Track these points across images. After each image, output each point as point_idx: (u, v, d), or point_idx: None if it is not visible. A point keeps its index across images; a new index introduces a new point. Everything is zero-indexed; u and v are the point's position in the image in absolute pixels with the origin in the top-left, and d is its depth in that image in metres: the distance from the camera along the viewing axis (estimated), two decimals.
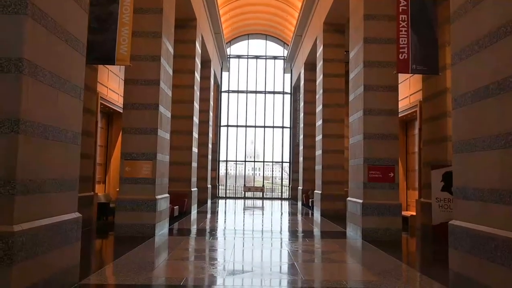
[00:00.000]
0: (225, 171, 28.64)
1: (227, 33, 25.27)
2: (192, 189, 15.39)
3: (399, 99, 10.82)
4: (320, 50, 16.90)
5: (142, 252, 7.80)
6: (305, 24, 20.21)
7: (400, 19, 9.09)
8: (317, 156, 17.25)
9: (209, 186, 21.17)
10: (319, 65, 17.08)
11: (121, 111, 10.88)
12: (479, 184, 4.80)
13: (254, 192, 28.19)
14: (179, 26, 14.54)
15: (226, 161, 28.44)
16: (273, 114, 28.39)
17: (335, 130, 16.43)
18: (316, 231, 11.94)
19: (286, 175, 29.62)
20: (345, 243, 9.65)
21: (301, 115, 22.40)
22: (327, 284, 5.88)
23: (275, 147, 28.38)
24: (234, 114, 28.26)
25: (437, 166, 10.51)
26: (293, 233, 11.85)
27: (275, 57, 28.67)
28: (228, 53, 27.84)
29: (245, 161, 28.85)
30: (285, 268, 7.05)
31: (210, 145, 21.13)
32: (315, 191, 17.33)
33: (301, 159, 21.93)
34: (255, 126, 28.22)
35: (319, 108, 17.15)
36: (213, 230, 11.77)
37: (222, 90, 28.25)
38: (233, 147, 28.30)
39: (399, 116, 11.29)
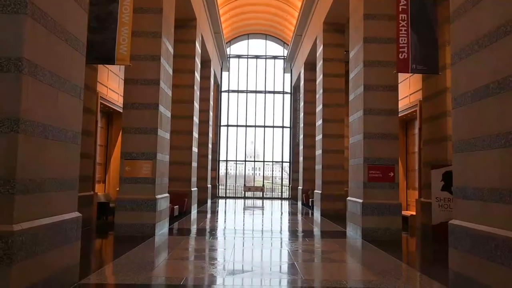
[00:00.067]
0: (225, 171, 28.64)
1: (227, 33, 25.27)
2: (192, 189, 15.39)
3: (399, 99, 10.82)
4: (320, 49, 16.90)
5: (142, 251, 7.80)
6: (305, 24, 20.21)
7: (400, 18, 9.09)
8: (317, 156, 17.25)
9: (209, 186, 21.18)
10: (319, 64, 17.08)
11: (121, 111, 10.88)
12: (479, 183, 4.80)
13: (254, 192, 28.19)
14: (179, 26, 14.54)
15: (226, 161, 28.44)
16: (273, 114, 28.40)
17: (335, 130, 16.43)
18: (316, 230, 11.93)
19: (286, 175, 29.63)
20: (345, 242, 9.65)
21: (301, 114, 22.40)
22: (327, 284, 5.88)
23: (275, 147, 28.40)
24: (234, 114, 28.28)
25: (437, 165, 10.51)
26: (293, 232, 11.84)
27: (275, 57, 28.66)
28: (228, 53, 27.84)
29: (245, 160, 28.85)
30: (285, 267, 7.05)
31: (210, 145, 21.13)
32: (315, 190, 17.33)
33: (301, 158, 21.93)
34: (255, 126, 28.22)
35: (319, 108, 17.15)
36: (213, 229, 11.77)
37: (222, 90, 28.25)
38: (233, 147, 28.33)
39: (399, 115, 11.29)
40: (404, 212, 12.46)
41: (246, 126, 28.21)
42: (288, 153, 28.33)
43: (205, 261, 7.29)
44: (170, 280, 5.93)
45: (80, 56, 5.20)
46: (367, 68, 10.24)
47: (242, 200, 25.60)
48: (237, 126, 28.20)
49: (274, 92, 28.51)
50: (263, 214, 17.75)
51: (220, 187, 28.08)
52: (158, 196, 9.99)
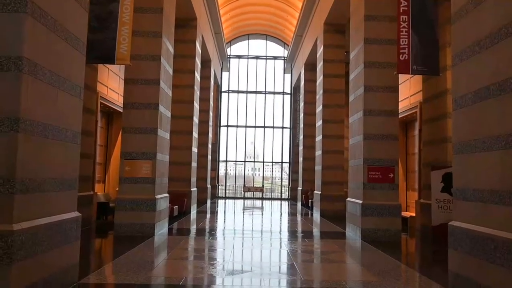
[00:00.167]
0: (224, 171, 28.63)
1: (227, 33, 25.27)
2: (191, 189, 15.38)
3: (399, 100, 10.82)
4: (320, 50, 16.90)
5: (142, 251, 7.79)
6: (305, 25, 20.21)
7: (401, 19, 9.08)
8: (317, 157, 17.24)
9: (208, 186, 21.17)
10: (319, 65, 17.08)
11: (121, 111, 10.88)
12: (479, 185, 4.79)
13: (254, 192, 28.19)
14: (180, 26, 14.54)
15: (226, 161, 28.44)
16: (273, 115, 28.39)
17: (335, 131, 16.42)
18: (316, 231, 11.93)
19: (285, 176, 29.62)
20: (345, 243, 9.64)
21: (301, 115, 22.40)
22: (327, 284, 5.87)
23: (275, 148, 28.40)
24: (234, 114, 28.27)
25: (437, 167, 10.51)
26: (292, 233, 11.84)
27: (275, 58, 28.67)
28: (228, 53, 27.84)
29: (244, 161, 28.85)
30: (284, 268, 7.04)
31: (210, 145, 21.12)
32: (315, 191, 17.33)
33: (301, 159, 21.93)
34: (255, 127, 28.22)
35: (319, 108, 17.15)
36: (213, 230, 11.76)
37: (222, 90, 28.25)
38: (233, 147, 28.32)
39: (399, 117, 11.29)
40: (403, 213, 12.46)
41: (246, 126, 28.21)
42: (288, 154, 28.33)
43: (205, 261, 7.28)
44: (169, 280, 5.93)
45: (80, 55, 5.19)
46: (368, 69, 10.24)
47: (242, 201, 25.59)
48: (237, 126, 28.20)
49: (274, 93, 28.51)
50: (262, 214, 17.74)
51: (219, 187, 28.07)
52: (158, 196, 9.99)
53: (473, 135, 4.93)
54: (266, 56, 28.56)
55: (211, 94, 21.44)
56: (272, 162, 28.77)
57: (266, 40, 28.45)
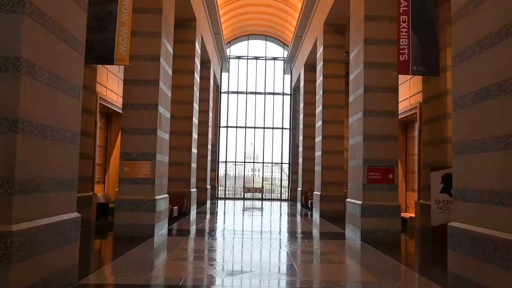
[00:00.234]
0: (224, 172, 28.62)
1: (227, 33, 25.26)
2: (191, 190, 15.37)
3: (399, 101, 10.81)
4: (320, 51, 16.90)
5: (141, 252, 7.78)
6: (305, 25, 20.21)
7: (401, 20, 9.07)
8: (317, 157, 17.24)
9: (208, 187, 21.15)
10: (319, 66, 17.08)
11: (120, 111, 10.86)
12: (479, 185, 4.78)
13: (254, 193, 28.18)
14: (179, 26, 14.53)
15: (226, 162, 28.43)
16: (272, 115, 28.39)
17: (334, 131, 16.42)
18: (315, 232, 11.92)
19: (285, 176, 29.61)
20: (344, 244, 9.63)
21: (301, 116, 22.39)
22: (326, 285, 5.86)
23: (275, 148, 28.40)
24: (234, 115, 28.27)
25: (436, 167, 10.50)
26: (292, 234, 11.83)
27: (275, 58, 28.66)
28: (228, 54, 27.84)
29: (244, 162, 28.84)
30: (284, 268, 7.03)
31: (209, 146, 21.11)
32: (315, 192, 17.32)
33: (300, 160, 21.92)
34: (254, 127, 28.21)
35: (319, 109, 17.15)
36: (212, 230, 11.75)
37: (222, 91, 28.24)
38: (232, 148, 28.32)
39: (399, 117, 11.28)
40: (403, 214, 12.45)
41: (245, 127, 28.21)
42: (288, 155, 28.32)
43: (204, 262, 7.27)
44: (169, 280, 5.92)
45: (79, 56, 5.18)
46: (368, 69, 10.23)
47: (241, 201, 25.58)
48: (236, 127, 28.19)
49: (273, 93, 28.51)
50: (262, 215, 17.74)
51: (219, 188, 28.06)
52: (158, 197, 9.98)
53: (473, 135, 4.93)
54: (265, 56, 28.56)
55: (211, 94, 21.43)
56: (272, 163, 28.77)
57: (266, 40, 28.45)
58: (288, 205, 22.92)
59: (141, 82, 10.00)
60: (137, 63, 9.77)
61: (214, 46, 22.27)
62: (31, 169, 4.18)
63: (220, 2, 20.05)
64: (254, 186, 28.85)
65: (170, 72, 11.26)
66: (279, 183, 29.71)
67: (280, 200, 28.15)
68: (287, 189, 28.68)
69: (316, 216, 15.86)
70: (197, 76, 16.31)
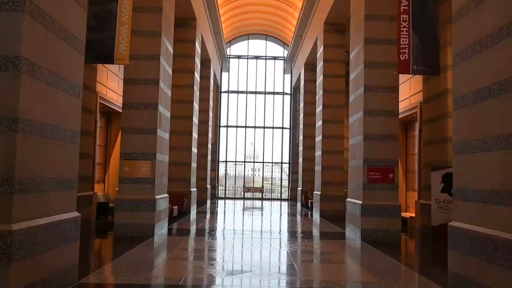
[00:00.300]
0: (224, 172, 28.62)
1: (227, 33, 25.25)
2: (191, 189, 15.36)
3: (399, 100, 10.80)
4: (320, 50, 16.88)
5: (141, 251, 7.78)
6: (305, 24, 20.19)
7: (401, 19, 9.05)
8: (317, 157, 17.23)
9: (208, 186, 21.15)
10: (320, 65, 17.06)
11: (121, 111, 10.85)
12: (479, 185, 4.78)
13: (254, 193, 28.18)
14: (179, 25, 14.52)
15: (226, 161, 28.42)
16: (273, 115, 28.38)
17: (335, 131, 16.41)
18: (315, 231, 11.91)
19: (285, 176, 29.61)
20: (344, 244, 9.63)
21: (301, 115, 22.38)
22: (326, 285, 5.86)
23: (275, 148, 28.39)
24: (234, 114, 28.26)
25: (437, 167, 10.49)
26: (292, 233, 11.83)
27: (275, 58, 28.65)
28: (228, 53, 27.82)
29: (244, 161, 28.83)
30: (284, 268, 7.03)
31: (209, 146, 21.10)
32: (315, 192, 17.31)
33: (300, 160, 21.91)
34: (254, 127, 28.20)
35: (319, 108, 17.13)
36: (212, 230, 11.75)
37: (222, 90, 28.23)
38: (232, 147, 28.31)
39: (399, 117, 11.28)
40: (403, 214, 12.44)
41: (245, 127, 28.20)
42: (288, 154, 28.31)
43: (204, 262, 7.27)
44: (169, 280, 5.91)
45: (79, 55, 5.18)
46: (368, 69, 10.22)
47: (241, 201, 25.58)
48: (236, 127, 28.18)
49: (274, 93, 28.50)
50: (262, 215, 17.73)
51: (219, 187, 28.05)
52: (158, 197, 9.97)
53: (474, 135, 4.92)
54: (266, 56, 28.55)
55: (211, 94, 21.42)
56: (272, 162, 28.77)
57: (266, 40, 28.44)
58: (288, 205, 22.91)
59: (141, 82, 9.99)
60: (137, 62, 9.77)
61: (214, 46, 22.26)
62: (31, 168, 4.17)
63: (220, 1, 20.04)
64: (254, 186, 28.85)
65: (170, 71, 11.25)
66: (279, 183, 29.71)
67: (280, 199, 28.15)
68: (287, 188, 28.68)
69: (316, 216, 15.85)
70: (197, 76, 16.30)
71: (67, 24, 4.78)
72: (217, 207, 19.94)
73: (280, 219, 16.37)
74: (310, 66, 20.82)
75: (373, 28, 10.27)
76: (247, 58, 28.50)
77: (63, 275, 4.87)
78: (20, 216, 3.97)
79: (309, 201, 19.26)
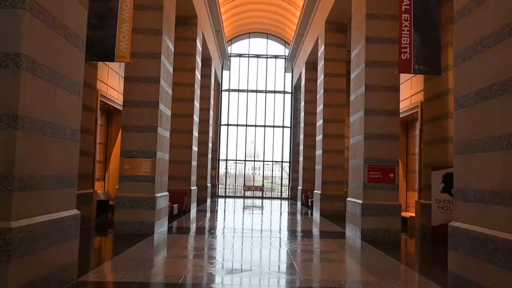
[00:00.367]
0: (225, 170, 28.61)
1: (228, 31, 25.22)
2: (191, 188, 15.36)
3: (400, 100, 10.78)
4: (321, 49, 16.86)
5: (141, 250, 7.77)
6: (306, 23, 20.16)
7: (403, 18, 9.03)
8: (317, 156, 17.22)
9: (208, 185, 21.15)
10: (321, 64, 17.04)
11: (121, 109, 10.85)
12: (480, 185, 4.76)
13: (254, 192, 28.17)
14: (180, 23, 14.50)
15: (226, 160, 28.42)
16: (273, 114, 28.36)
17: (335, 130, 16.39)
18: (315, 231, 11.91)
19: (286, 175, 29.60)
20: (344, 243, 9.62)
21: (302, 114, 22.37)
22: (326, 284, 5.85)
23: (275, 147, 28.37)
24: (235, 113, 28.24)
25: (437, 167, 10.48)
26: (292, 232, 11.82)
27: (276, 56, 28.62)
28: (229, 52, 27.80)
29: (245, 160, 28.83)
30: (283, 267, 7.02)
31: (210, 144, 21.09)
32: (315, 191, 17.30)
33: (301, 158, 21.90)
34: (255, 126, 28.19)
35: (319, 107, 17.12)
36: (212, 228, 11.75)
37: (223, 88, 28.21)
38: (233, 146, 28.29)
39: (400, 116, 11.26)
40: (403, 214, 12.43)
41: (246, 125, 28.18)
42: (288, 153, 28.30)
43: (204, 260, 7.26)
44: (168, 278, 5.91)
45: (80, 52, 5.16)
46: (369, 68, 10.20)
47: (242, 200, 25.58)
48: (237, 125, 28.17)
49: (274, 92, 28.47)
50: (262, 213, 17.73)
51: (219, 186, 28.04)
52: (158, 195, 9.97)
53: (475, 135, 4.90)
54: (267, 55, 28.52)
55: (212, 92, 21.41)
56: (272, 161, 28.76)
57: (267, 38, 28.41)
58: (288, 204, 22.91)
59: (142, 80, 9.98)
60: (138, 60, 9.75)
61: (215, 44, 22.23)
62: (31, 165, 4.16)
63: (221, 0, 20.02)
64: (255, 185, 28.84)
65: (171, 69, 11.24)
66: (280, 182, 29.71)
67: (281, 198, 28.15)
68: (287, 187, 28.68)
69: (316, 215, 15.85)
70: (198, 74, 16.28)
71: (67, 21, 4.77)
72: (217, 206, 19.94)
73: (280, 218, 16.37)
74: (311, 65, 20.79)
75: (374, 27, 10.25)
76: (248, 57, 28.48)
77: (62, 273, 4.86)
78: (20, 214, 3.96)
79: (309, 200, 19.25)
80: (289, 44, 26.22)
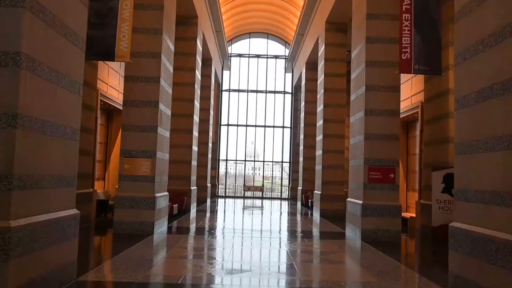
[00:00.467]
0: (225, 170, 28.60)
1: (229, 31, 25.21)
2: (191, 188, 15.35)
3: (400, 100, 10.77)
4: (322, 49, 16.85)
5: (141, 249, 7.76)
6: (307, 23, 20.15)
7: (403, 18, 9.02)
8: (317, 156, 17.20)
9: (208, 185, 21.14)
10: (321, 64, 17.03)
11: (121, 108, 10.83)
12: (480, 186, 4.75)
13: (254, 192, 28.16)
14: (180, 23, 14.49)
15: (226, 160, 28.40)
16: (273, 114, 28.34)
17: (335, 130, 16.38)
18: (315, 231, 11.90)
19: (286, 175, 29.59)
20: (344, 243, 9.61)
21: (302, 114, 22.35)
22: (326, 285, 5.84)
23: (275, 147, 28.35)
24: (235, 113, 28.23)
25: (438, 167, 10.47)
26: (292, 233, 11.81)
27: (276, 56, 28.61)
28: (229, 52, 27.79)
29: (245, 160, 28.81)
30: (283, 268, 7.01)
31: (210, 144, 21.09)
32: (315, 191, 17.29)
33: (301, 159, 21.89)
34: (255, 126, 28.18)
35: (320, 108, 17.11)
36: (212, 229, 11.73)
37: (223, 89, 28.20)
38: (233, 146, 28.28)
39: (401, 117, 11.25)
40: (403, 214, 12.42)
41: (246, 125, 28.17)
42: (288, 153, 28.29)
43: (204, 260, 7.25)
44: (168, 278, 5.89)
45: (80, 51, 5.15)
46: (369, 68, 10.18)
47: (242, 200, 25.57)
48: (237, 125, 28.16)
49: (275, 92, 28.46)
50: (262, 214, 17.72)
51: (219, 186, 28.03)
52: (157, 195, 9.95)
53: (476, 135, 4.89)
54: (267, 55, 28.51)
55: (212, 92, 21.40)
56: (273, 161, 28.74)
57: (267, 38, 28.40)
58: (288, 204, 22.90)
59: (142, 79, 9.97)
60: (138, 60, 9.74)
61: (216, 44, 22.23)
62: (30, 164, 4.15)
63: (221, 0, 20.01)
64: (255, 185, 28.82)
65: (171, 69, 11.23)
66: (280, 182, 29.70)
67: (281, 199, 28.14)
68: (287, 187, 28.66)
69: (316, 215, 15.83)
70: (198, 74, 16.28)
71: (67, 21, 4.76)
72: (217, 206, 19.93)
73: (280, 218, 16.36)
74: (311, 65, 20.78)
75: (375, 27, 10.23)
76: (248, 57, 28.47)
77: (61, 272, 4.85)
78: (19, 213, 3.95)
79: (309, 200, 19.24)
80: (289, 44, 26.21)
